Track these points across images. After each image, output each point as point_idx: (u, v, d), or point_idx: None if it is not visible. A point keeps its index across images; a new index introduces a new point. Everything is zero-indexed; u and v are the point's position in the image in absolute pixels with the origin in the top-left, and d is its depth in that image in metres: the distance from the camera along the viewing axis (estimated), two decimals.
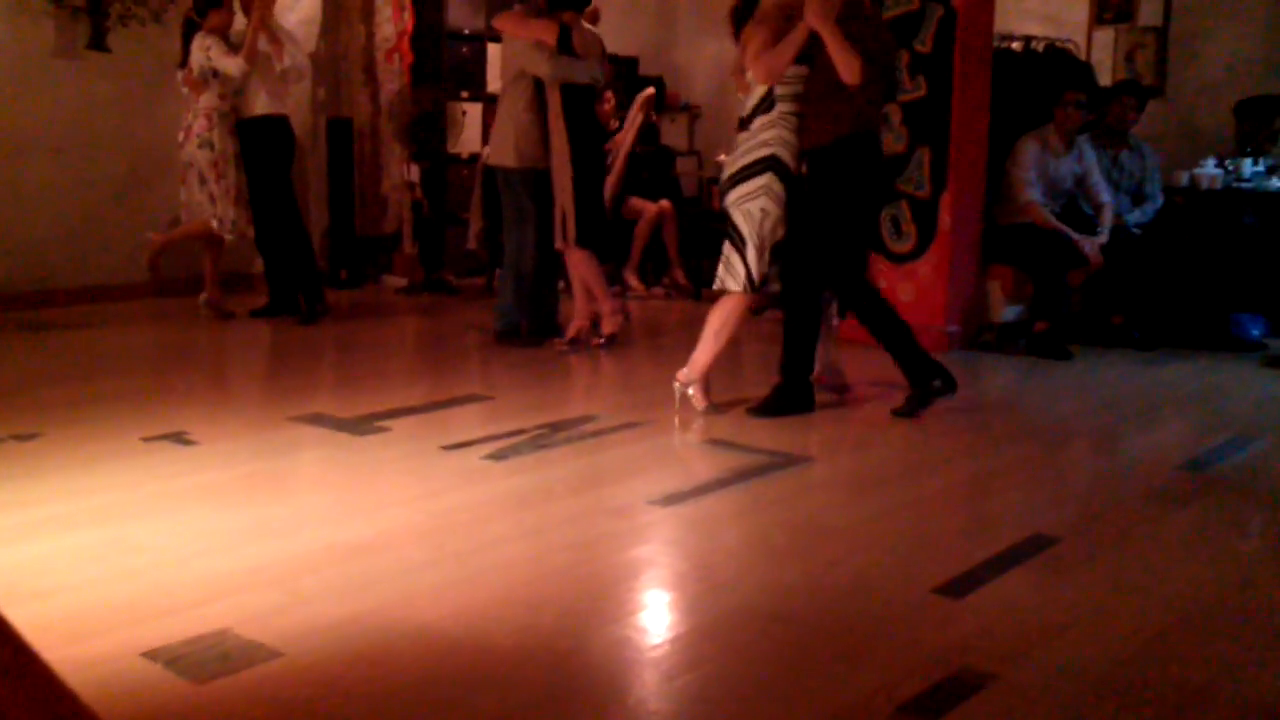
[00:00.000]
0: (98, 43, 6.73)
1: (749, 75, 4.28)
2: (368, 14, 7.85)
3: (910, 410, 4.42)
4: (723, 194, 4.40)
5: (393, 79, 7.81)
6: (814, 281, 4.42)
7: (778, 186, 4.26)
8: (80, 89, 6.75)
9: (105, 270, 6.98)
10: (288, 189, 6.49)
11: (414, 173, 7.85)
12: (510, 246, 5.79)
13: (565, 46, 5.50)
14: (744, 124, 4.35)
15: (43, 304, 6.66)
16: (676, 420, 4.36)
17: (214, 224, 6.29)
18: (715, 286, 4.44)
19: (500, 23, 5.70)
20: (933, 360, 4.44)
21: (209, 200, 6.27)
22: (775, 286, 4.37)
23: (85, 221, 6.88)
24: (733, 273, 4.33)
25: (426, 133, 7.86)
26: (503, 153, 5.65)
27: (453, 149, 8.05)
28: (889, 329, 4.44)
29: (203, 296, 6.55)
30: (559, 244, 5.63)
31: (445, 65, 7.94)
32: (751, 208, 4.26)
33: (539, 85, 5.55)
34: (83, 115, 6.78)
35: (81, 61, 6.73)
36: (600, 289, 5.81)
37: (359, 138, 7.99)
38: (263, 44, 6.18)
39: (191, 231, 6.42)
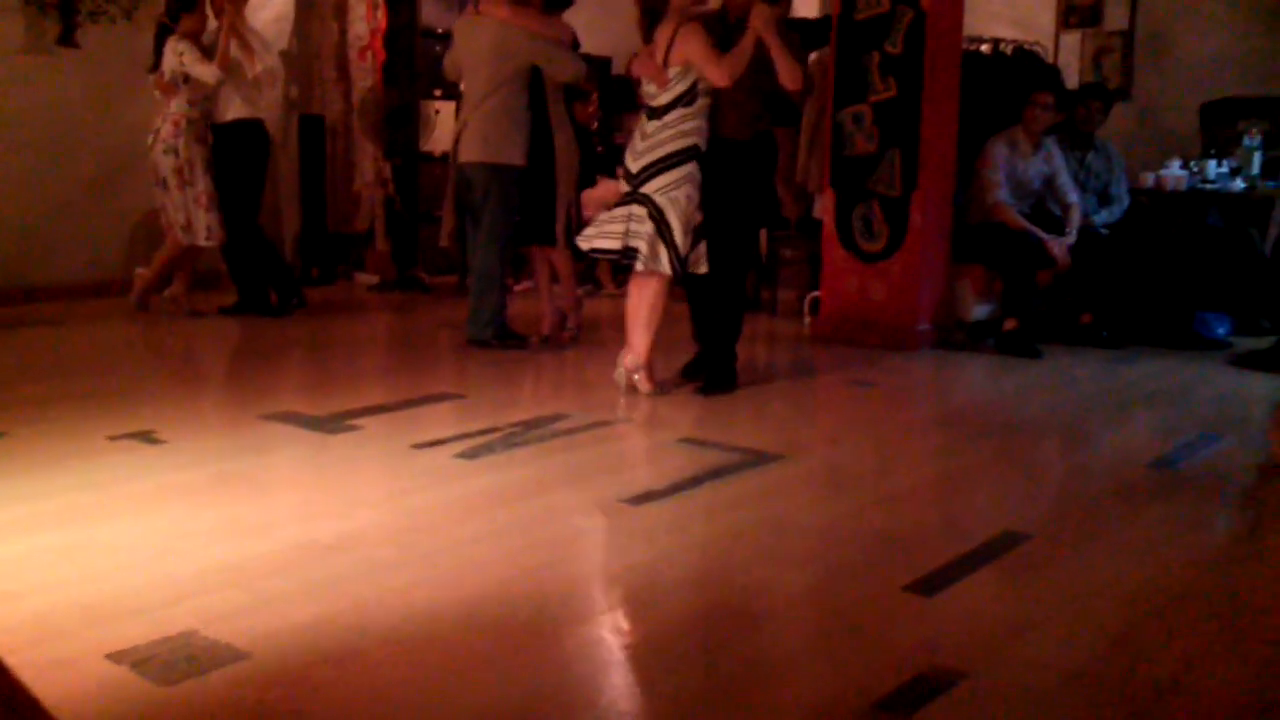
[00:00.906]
0: (68, 39, 6.67)
1: (673, 70, 4.51)
2: (341, 12, 7.81)
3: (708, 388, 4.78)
4: (638, 180, 4.55)
5: (365, 77, 7.77)
6: (743, 263, 4.91)
7: (698, 174, 4.57)
8: (50, 85, 6.69)
9: (75, 267, 6.91)
10: (260, 193, 6.47)
11: (386, 170, 7.82)
12: (498, 248, 5.57)
13: (576, 45, 5.53)
14: (657, 113, 4.57)
15: (11, 301, 6.59)
16: (648, 418, 4.36)
17: (179, 234, 6.24)
18: (640, 268, 4.59)
19: (521, 17, 5.45)
20: (731, 368, 4.85)
21: (172, 207, 6.23)
22: (703, 268, 4.64)
23: (55, 218, 6.81)
24: (658, 257, 4.52)
25: (399, 130, 7.83)
26: (507, 151, 5.47)
27: (425, 147, 8.02)
28: (729, 321, 4.86)
29: (168, 292, 6.49)
30: (561, 241, 5.66)
31: (418, 63, 7.91)
32: (678, 195, 4.51)
33: (535, 83, 5.50)
34: (53, 111, 6.72)
35: (51, 57, 6.66)
36: (573, 284, 5.93)
37: (331, 135, 7.95)
38: (235, 51, 6.14)
39: (171, 256, 6.38)
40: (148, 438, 3.90)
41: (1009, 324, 5.91)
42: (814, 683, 2.25)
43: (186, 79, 6.12)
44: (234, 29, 6.16)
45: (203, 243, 6.30)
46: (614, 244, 4.60)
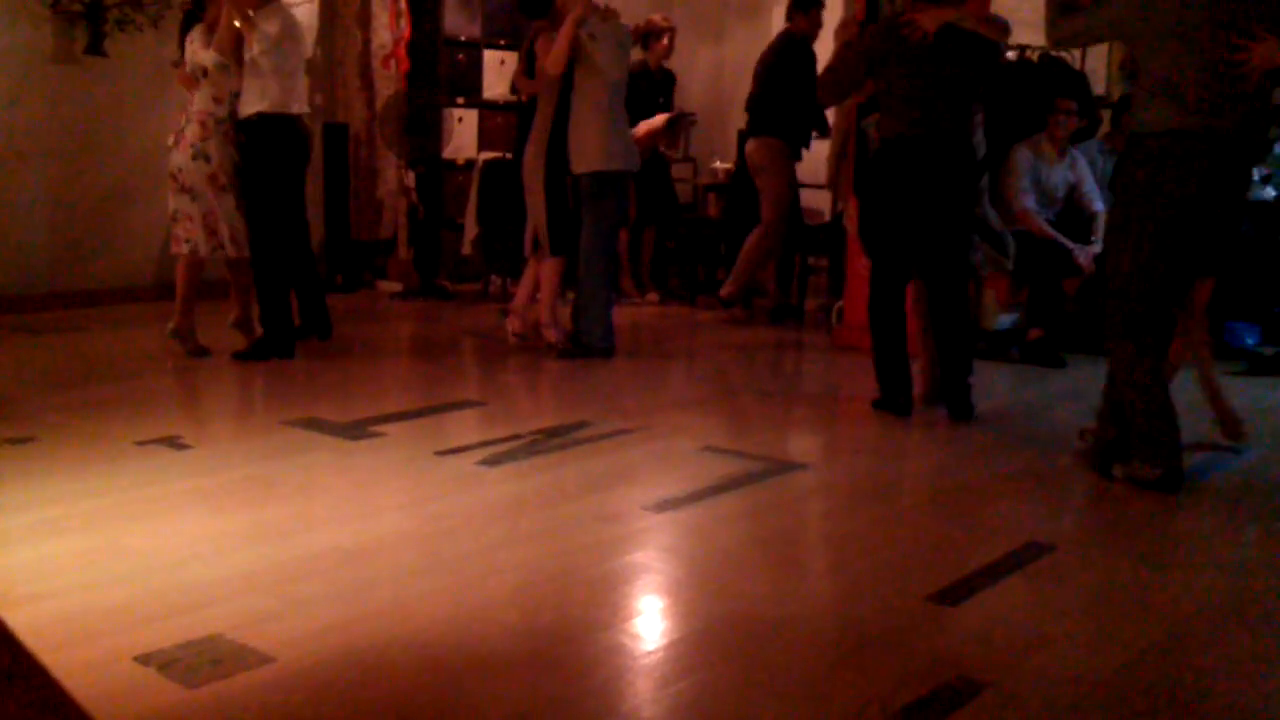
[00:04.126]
0: (95, 48, 6.72)
1: None
2: (365, 21, 7.86)
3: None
4: None
5: (389, 85, 7.82)
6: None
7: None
8: (78, 94, 6.75)
9: (101, 275, 6.98)
10: (288, 202, 5.59)
11: (410, 178, 7.86)
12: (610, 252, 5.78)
13: None
14: None
15: (38, 308, 6.66)
16: (670, 427, 4.36)
17: (184, 248, 5.47)
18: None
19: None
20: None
21: (187, 219, 5.43)
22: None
23: (82, 226, 6.87)
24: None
25: (421, 138, 7.87)
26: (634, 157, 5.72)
27: (448, 154, 8.06)
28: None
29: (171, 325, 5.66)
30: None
31: (442, 72, 7.96)
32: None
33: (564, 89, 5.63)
34: (81, 119, 6.78)
35: (79, 66, 6.73)
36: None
37: (355, 143, 8.00)
38: (242, 29, 5.28)
39: (188, 282, 5.55)
40: (174, 443, 3.93)
41: (1033, 333, 5.88)
42: (835, 692, 2.24)
43: (206, 72, 5.43)
44: (233, 3, 5.25)
45: (205, 254, 5.53)
46: None
